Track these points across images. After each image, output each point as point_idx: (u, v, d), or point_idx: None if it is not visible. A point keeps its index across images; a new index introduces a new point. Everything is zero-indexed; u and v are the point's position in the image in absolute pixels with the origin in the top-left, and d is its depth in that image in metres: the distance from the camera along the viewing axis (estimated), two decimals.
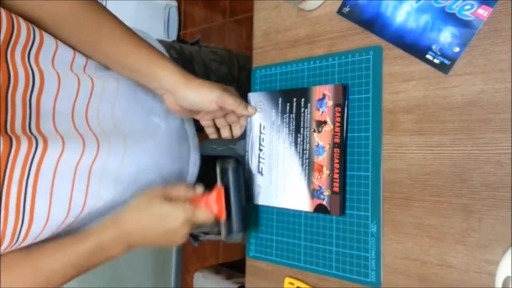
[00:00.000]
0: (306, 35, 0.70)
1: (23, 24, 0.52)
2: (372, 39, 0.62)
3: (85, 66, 0.61)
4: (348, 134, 0.62)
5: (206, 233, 0.77)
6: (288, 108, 0.67)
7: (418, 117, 0.57)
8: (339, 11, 0.66)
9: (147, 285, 1.97)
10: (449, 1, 0.55)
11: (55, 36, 0.57)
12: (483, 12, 0.53)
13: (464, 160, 0.53)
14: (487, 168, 0.51)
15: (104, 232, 0.58)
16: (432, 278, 0.54)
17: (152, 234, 0.59)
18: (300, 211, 0.67)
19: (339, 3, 0.66)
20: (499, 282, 0.48)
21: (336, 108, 0.62)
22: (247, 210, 0.73)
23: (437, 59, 0.56)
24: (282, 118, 0.68)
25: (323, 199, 0.62)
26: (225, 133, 0.73)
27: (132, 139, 0.62)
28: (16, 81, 0.50)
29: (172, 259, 2.08)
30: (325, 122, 0.63)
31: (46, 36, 0.55)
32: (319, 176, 0.63)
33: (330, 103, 0.63)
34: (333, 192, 0.62)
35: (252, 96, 0.72)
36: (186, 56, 0.83)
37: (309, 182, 0.64)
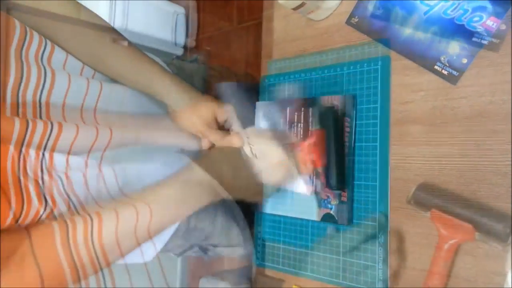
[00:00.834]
0: (314, 45, 0.71)
1: (36, 33, 0.54)
2: (381, 50, 0.62)
3: (94, 74, 0.62)
4: (356, 144, 0.63)
5: (215, 246, 0.77)
6: (296, 117, 0.68)
7: (426, 128, 0.57)
8: (348, 22, 0.66)
9: None
10: (458, 12, 0.56)
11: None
12: (492, 23, 0.53)
13: (472, 171, 0.53)
14: (494, 179, 0.51)
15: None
16: None
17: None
18: (307, 220, 0.68)
19: (348, 14, 0.66)
20: (508, 282, 0.48)
21: (345, 118, 0.63)
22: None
23: (446, 70, 0.56)
24: (290, 127, 0.68)
25: (331, 208, 0.63)
26: None
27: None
28: (28, 79, 0.51)
29: (178, 264, 2.08)
30: None
31: (57, 46, 0.57)
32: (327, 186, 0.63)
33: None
34: (340, 202, 0.62)
35: (261, 105, 0.73)
36: (185, 73, 0.85)
37: (317, 191, 0.64)
